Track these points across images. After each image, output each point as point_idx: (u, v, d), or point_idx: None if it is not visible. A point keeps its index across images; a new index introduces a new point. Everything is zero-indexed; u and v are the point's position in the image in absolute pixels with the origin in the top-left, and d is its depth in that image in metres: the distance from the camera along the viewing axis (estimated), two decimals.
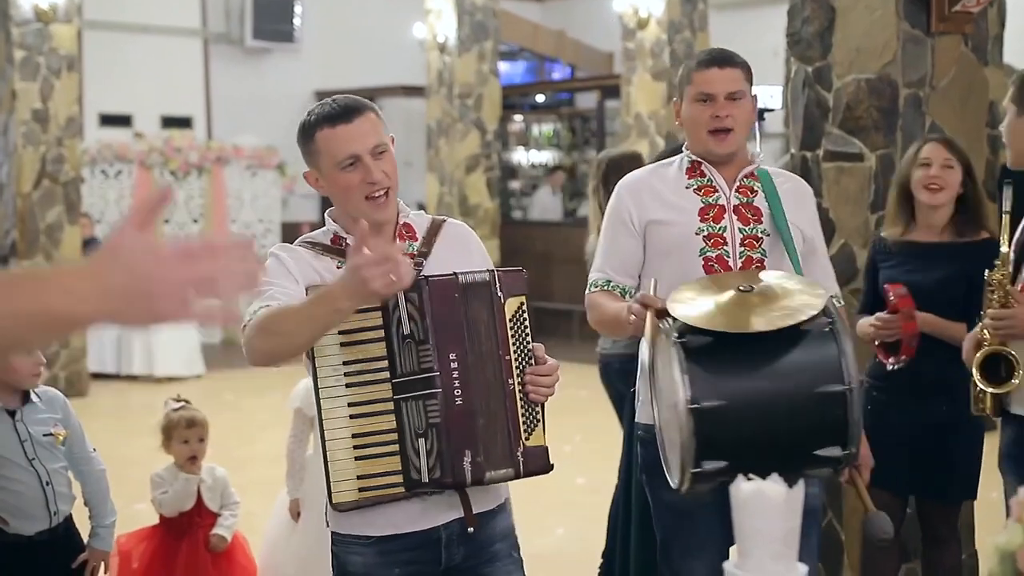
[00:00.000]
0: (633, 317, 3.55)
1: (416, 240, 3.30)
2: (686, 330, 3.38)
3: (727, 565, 2.01)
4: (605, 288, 3.96)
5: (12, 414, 4.27)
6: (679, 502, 3.59)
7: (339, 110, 3.22)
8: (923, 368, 4.72)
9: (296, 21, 17.94)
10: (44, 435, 4.33)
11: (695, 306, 3.46)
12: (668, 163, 4.09)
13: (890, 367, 4.72)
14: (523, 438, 3.15)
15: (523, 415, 3.17)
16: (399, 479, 3.10)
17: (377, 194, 3.17)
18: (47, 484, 4.30)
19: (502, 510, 3.31)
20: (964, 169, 4.90)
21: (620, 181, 4.11)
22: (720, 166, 3.94)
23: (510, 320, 3.18)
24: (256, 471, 6.95)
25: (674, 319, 3.42)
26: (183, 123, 17.16)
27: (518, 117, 18.53)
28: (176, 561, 5.19)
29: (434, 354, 3.10)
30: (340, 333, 3.09)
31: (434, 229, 3.36)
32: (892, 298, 4.67)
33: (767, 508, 1.95)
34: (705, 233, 3.87)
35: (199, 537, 5.23)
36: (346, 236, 3.24)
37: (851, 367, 3.34)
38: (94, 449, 4.57)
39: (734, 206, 3.91)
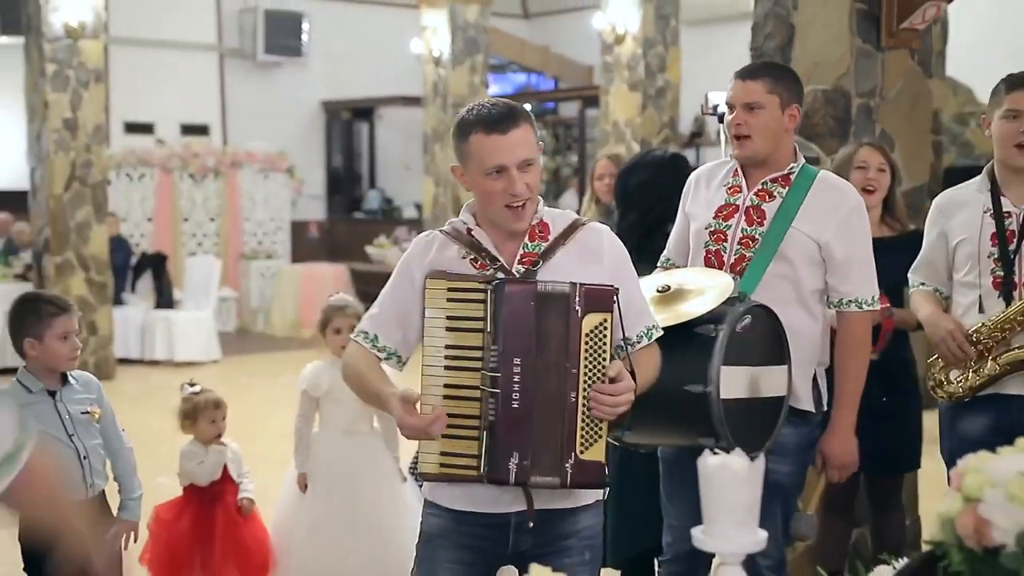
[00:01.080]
0: None
1: (547, 240, 3.14)
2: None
3: (695, 531, 2.01)
4: (664, 266, 4.12)
5: (53, 394, 4.29)
6: (673, 455, 3.63)
7: (496, 117, 3.06)
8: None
9: (304, 37, 17.91)
10: (82, 413, 4.35)
11: None
12: (727, 161, 4.09)
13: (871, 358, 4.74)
14: (577, 451, 3.01)
15: (582, 429, 3.01)
16: (475, 463, 3.04)
17: (516, 204, 3.05)
18: (84, 458, 4.31)
19: (585, 510, 3.18)
20: (891, 172, 4.93)
21: (695, 172, 4.22)
22: (749, 170, 3.94)
23: (586, 335, 2.99)
24: (267, 447, 6.95)
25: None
26: (201, 130, 17.14)
27: None
28: (215, 523, 5.31)
29: (500, 357, 3.01)
30: (447, 318, 3.06)
31: (568, 232, 3.16)
32: None
33: (731, 480, 1.96)
34: (712, 229, 3.91)
35: (229, 503, 5.35)
36: (475, 229, 3.15)
37: (715, 370, 3.39)
38: (123, 429, 4.58)
39: (746, 207, 3.91)
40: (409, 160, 17.44)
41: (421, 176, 15.78)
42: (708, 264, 3.87)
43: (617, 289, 3.02)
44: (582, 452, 3.00)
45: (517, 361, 3.01)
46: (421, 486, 3.40)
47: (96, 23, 12.47)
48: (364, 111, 18.67)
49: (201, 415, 5.28)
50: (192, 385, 5.44)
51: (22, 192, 13.15)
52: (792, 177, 3.92)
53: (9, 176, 15.04)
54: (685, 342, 3.40)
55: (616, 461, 4.98)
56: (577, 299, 2.99)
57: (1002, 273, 4.10)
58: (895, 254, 4.60)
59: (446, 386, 3.05)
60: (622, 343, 3.09)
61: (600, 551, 3.29)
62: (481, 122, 3.06)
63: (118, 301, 13.48)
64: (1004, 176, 4.16)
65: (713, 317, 3.46)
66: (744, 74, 3.96)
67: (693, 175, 4.16)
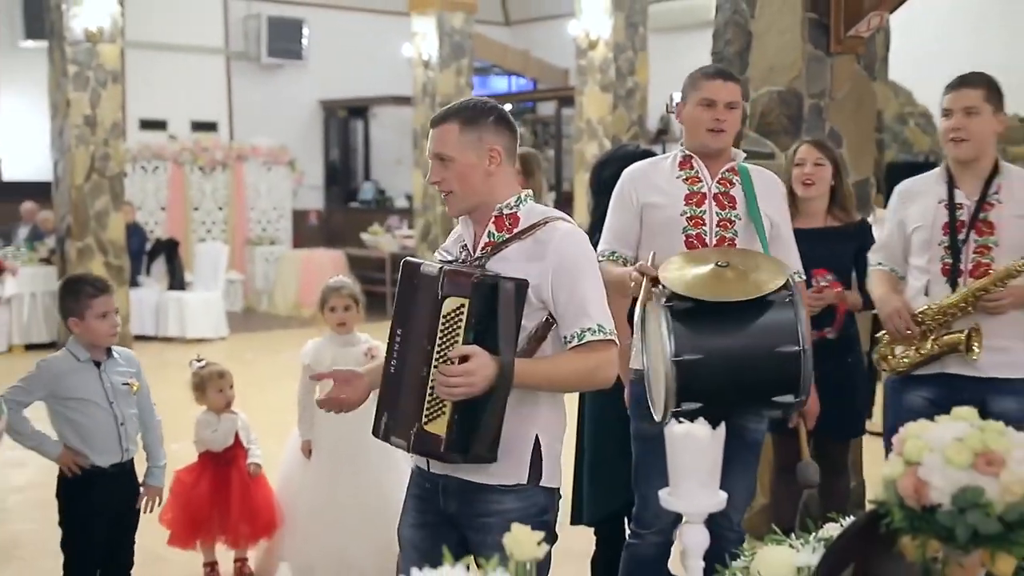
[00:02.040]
0: (633, 283, 3.62)
1: (509, 233, 3.03)
2: (673, 296, 3.45)
3: (662, 493, 2.02)
4: (611, 258, 3.96)
5: (98, 365, 4.35)
6: (651, 431, 3.61)
7: (437, 115, 3.11)
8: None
9: (304, 41, 17.86)
10: (122, 384, 4.40)
11: (681, 276, 3.51)
12: (665, 157, 4.07)
13: (829, 336, 4.76)
14: (422, 421, 2.93)
15: (428, 402, 2.92)
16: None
17: (440, 191, 3.09)
18: (121, 425, 4.36)
19: (508, 493, 3.01)
20: (834, 166, 4.93)
21: (625, 170, 4.09)
22: (707, 160, 3.94)
23: (444, 316, 2.90)
24: (271, 417, 6.93)
25: (663, 286, 3.48)
26: (209, 127, 17.08)
27: None
28: (231, 485, 5.37)
29: (391, 328, 3.06)
30: None
31: (529, 228, 3.03)
32: (822, 283, 4.71)
33: (695, 446, 1.97)
34: (688, 215, 3.88)
35: (242, 467, 5.41)
36: (464, 218, 3.18)
37: (805, 332, 3.42)
38: (154, 404, 4.64)
39: (714, 194, 3.91)
40: (401, 155, 17.40)
41: (411, 169, 15.76)
42: (690, 246, 3.84)
43: (496, 281, 2.89)
44: (426, 423, 2.93)
45: (399, 332, 3.04)
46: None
47: (113, 28, 12.43)
48: (359, 110, 18.62)
49: (209, 386, 5.36)
50: (199, 360, 5.51)
51: (46, 183, 13.12)
52: (737, 167, 3.97)
53: (34, 168, 14.98)
54: (763, 309, 3.44)
55: (590, 427, 5.00)
56: (441, 282, 2.93)
57: (950, 260, 4.12)
58: (843, 243, 4.62)
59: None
60: (563, 338, 2.98)
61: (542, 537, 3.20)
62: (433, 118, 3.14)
63: (134, 283, 13.45)
64: (957, 170, 4.18)
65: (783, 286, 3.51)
66: (725, 75, 3.99)
67: (629, 174, 4.04)
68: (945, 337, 4.09)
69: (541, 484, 3.04)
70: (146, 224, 15.10)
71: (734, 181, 3.94)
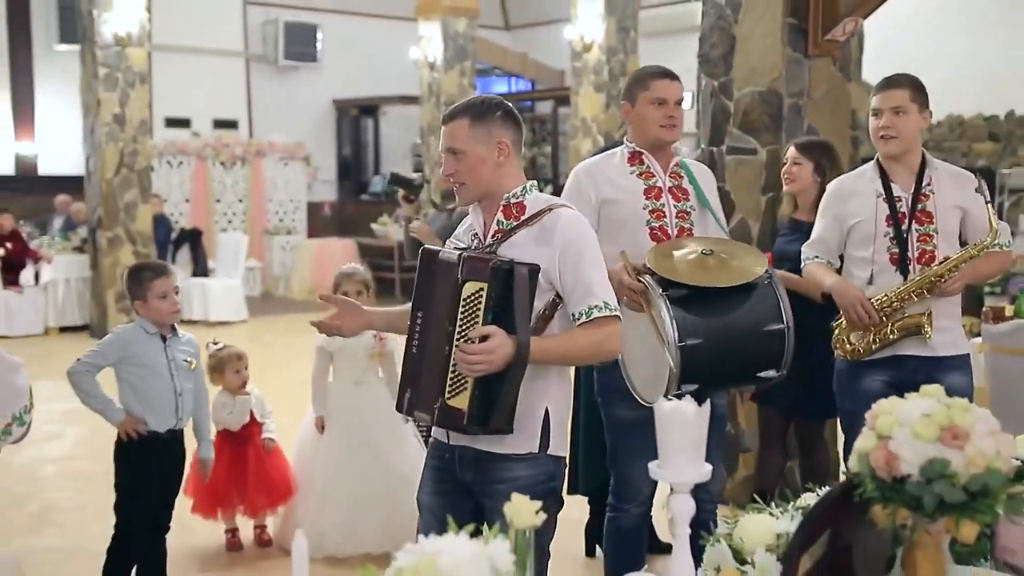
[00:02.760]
0: (624, 281, 3.54)
1: (517, 220, 3.04)
2: (667, 284, 3.43)
3: (652, 465, 2.02)
4: None
5: (163, 339, 4.47)
6: (627, 416, 3.60)
7: (447, 112, 3.12)
8: (807, 319, 4.75)
9: (318, 45, 17.85)
10: (184, 360, 4.53)
11: (673, 266, 3.50)
12: (611, 154, 4.00)
13: None
14: (445, 396, 2.96)
15: (451, 379, 2.95)
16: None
17: (451, 183, 3.10)
18: (179, 395, 4.47)
19: (521, 461, 3.03)
20: (814, 164, 4.91)
21: (578, 166, 4.04)
22: (657, 155, 3.91)
23: (464, 299, 2.93)
24: (288, 395, 6.94)
25: (652, 275, 3.47)
26: (230, 124, 17.07)
27: None
28: (248, 460, 5.43)
29: (412, 311, 3.07)
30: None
31: (536, 215, 3.04)
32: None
33: (682, 422, 1.97)
34: (650, 208, 3.84)
35: (257, 442, 5.46)
36: (472, 208, 3.20)
37: (788, 310, 3.42)
38: (206, 387, 4.80)
39: (669, 187, 3.89)
40: (407, 151, 17.40)
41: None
42: (655, 239, 3.80)
43: (511, 265, 2.92)
44: (448, 398, 2.96)
45: (420, 315, 3.05)
46: (419, 426, 3.40)
47: (141, 33, 12.42)
48: (370, 108, 18.59)
49: (227, 367, 5.40)
50: (215, 343, 5.53)
51: (79, 177, 13.11)
52: (679, 161, 3.97)
53: (68, 163, 14.97)
54: (749, 293, 3.44)
55: (584, 404, 5.01)
56: (461, 268, 2.96)
57: (898, 250, 4.11)
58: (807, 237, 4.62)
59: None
60: (571, 316, 3.01)
61: (549, 502, 3.08)
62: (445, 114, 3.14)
63: None
64: (891, 168, 4.17)
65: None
66: (673, 75, 3.97)
67: (584, 170, 3.96)
68: (903, 321, 4.09)
69: (550, 452, 3.07)
70: (171, 215, 15.10)
71: (682, 174, 3.94)
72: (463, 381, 2.93)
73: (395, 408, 3.17)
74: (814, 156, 4.94)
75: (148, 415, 4.43)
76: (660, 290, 3.41)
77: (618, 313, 3.02)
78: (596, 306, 2.98)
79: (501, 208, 3.07)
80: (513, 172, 3.09)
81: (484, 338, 2.85)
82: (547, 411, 3.05)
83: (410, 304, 3.13)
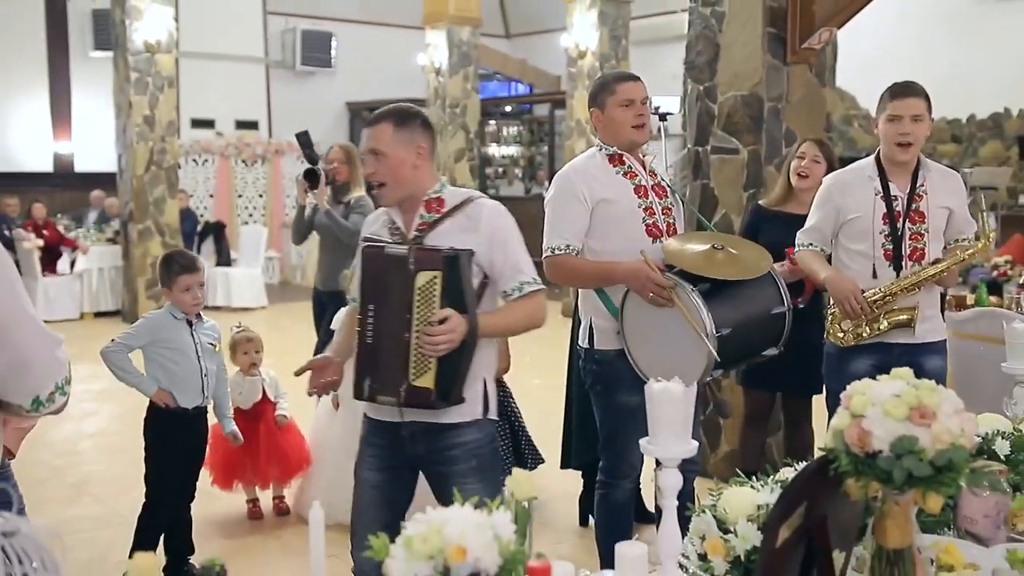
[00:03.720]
0: (655, 274, 3.51)
1: (439, 213, 3.09)
2: (684, 278, 3.45)
3: (643, 442, 2.02)
4: (567, 251, 3.74)
5: (190, 324, 4.53)
6: (631, 403, 3.57)
7: (372, 117, 3.13)
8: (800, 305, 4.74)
9: (333, 52, 17.86)
10: (208, 343, 4.57)
11: (694, 262, 3.51)
12: (591, 156, 3.90)
13: (800, 305, 4.72)
14: (410, 378, 2.97)
15: (414, 362, 2.96)
16: (354, 384, 3.13)
17: (372, 183, 3.13)
18: (204, 375, 4.53)
19: (469, 427, 3.10)
20: (828, 164, 4.86)
21: (566, 169, 3.91)
22: (634, 155, 3.86)
23: (419, 288, 2.94)
24: (304, 376, 6.94)
25: (672, 270, 3.50)
26: (251, 125, 17.07)
27: (492, 122, 18.42)
28: (258, 435, 5.43)
29: (362, 304, 3.06)
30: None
31: (457, 207, 3.09)
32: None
33: (671, 401, 1.97)
34: (643, 206, 3.79)
35: (269, 418, 5.47)
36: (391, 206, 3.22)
37: (787, 293, 3.52)
38: (226, 369, 4.83)
39: (651, 186, 3.84)
40: None
41: None
42: (649, 234, 3.75)
43: (458, 253, 2.95)
44: (413, 379, 2.98)
45: (371, 307, 3.03)
46: None
47: (169, 40, 12.42)
48: None
49: (238, 348, 5.47)
50: (238, 326, 5.60)
51: (112, 173, 13.12)
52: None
53: (102, 161, 14.97)
54: (756, 280, 3.53)
55: (577, 385, 5.00)
56: (412, 259, 2.96)
57: (891, 247, 4.08)
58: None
59: (357, 326, 3.10)
60: (503, 293, 3.11)
61: (490, 460, 3.20)
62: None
63: None
64: (889, 167, 4.11)
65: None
66: (635, 77, 3.90)
67: (575, 171, 3.85)
68: (894, 315, 4.08)
69: (488, 416, 3.16)
70: (197, 209, 15.10)
71: (657, 172, 3.91)
72: (427, 362, 2.96)
73: (353, 396, 3.13)
74: (829, 158, 4.91)
75: (177, 393, 4.46)
76: (691, 286, 3.41)
77: (544, 286, 3.14)
78: (526, 281, 3.09)
79: (423, 203, 3.10)
80: (429, 173, 3.15)
81: (442, 320, 2.91)
82: (484, 380, 3.14)
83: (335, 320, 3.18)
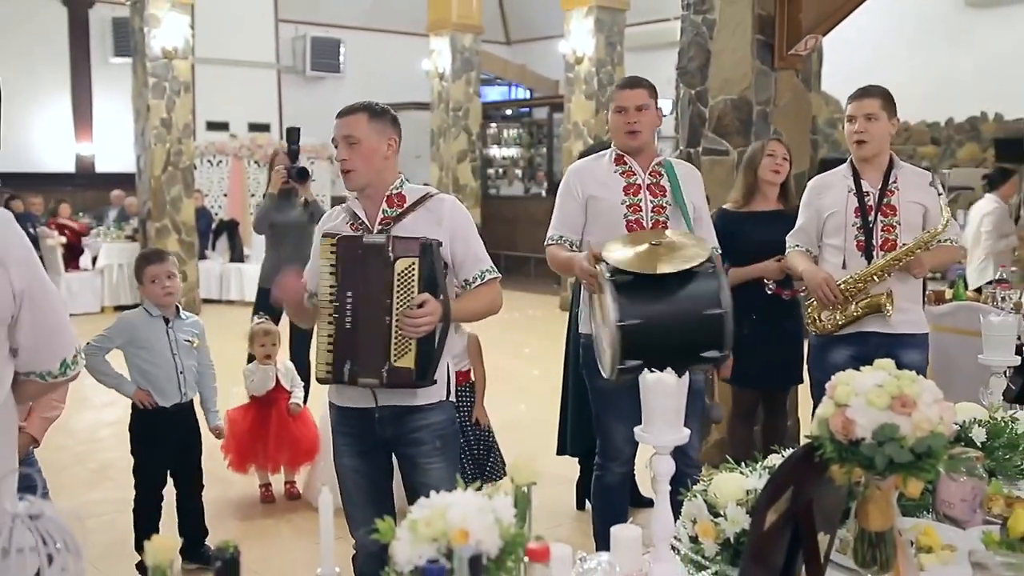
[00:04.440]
0: (582, 267, 3.56)
1: (401, 208, 3.14)
2: (615, 271, 3.38)
3: (637, 430, 2.02)
4: (559, 242, 3.91)
5: (167, 322, 4.41)
6: (606, 386, 3.58)
7: (346, 108, 3.18)
8: (776, 299, 4.74)
9: (341, 57, 17.85)
10: (185, 340, 4.44)
11: (623, 255, 3.45)
12: (602, 155, 3.99)
13: (785, 297, 4.73)
14: (391, 359, 3.00)
15: (395, 344, 3.00)
16: (332, 369, 3.08)
17: (342, 170, 3.14)
18: (180, 373, 4.40)
19: (432, 408, 3.15)
20: (791, 162, 4.94)
21: (569, 168, 4.05)
22: (636, 157, 3.89)
23: (398, 274, 2.99)
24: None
25: (606, 264, 3.42)
26: (263, 128, 17.03)
27: (493, 124, 18.39)
28: (270, 421, 5.45)
29: (339, 292, 3.04)
30: (329, 265, 3.07)
31: (418, 202, 3.16)
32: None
33: (664, 391, 1.97)
34: (627, 203, 3.84)
35: (282, 406, 5.47)
36: (352, 201, 3.24)
37: (726, 297, 3.33)
38: (211, 363, 4.65)
39: (647, 185, 3.87)
40: (420, 151, 17.35)
41: (428, 163, 15.73)
42: (630, 230, 3.79)
43: (431, 242, 3.03)
44: (395, 360, 3.01)
45: (349, 294, 3.03)
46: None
47: (185, 47, 12.42)
48: None
49: (254, 340, 5.45)
50: (260, 318, 5.55)
51: (131, 174, 13.12)
52: (663, 161, 3.93)
53: (121, 162, 14.95)
54: (691, 280, 3.34)
55: (573, 374, 5.00)
56: (390, 248, 3.01)
57: (863, 238, 4.15)
58: (787, 224, 4.61)
59: (328, 314, 3.07)
60: (464, 281, 3.18)
61: (452, 440, 3.25)
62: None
63: (202, 256, 13.48)
64: (861, 166, 4.21)
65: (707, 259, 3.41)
66: (630, 84, 3.90)
67: (573, 171, 4.00)
68: (867, 300, 4.12)
69: (449, 399, 3.23)
70: (212, 208, 15.08)
71: (661, 172, 3.91)
72: (407, 344, 3.01)
73: (332, 380, 3.11)
74: (789, 155, 4.95)
75: (155, 392, 4.38)
76: (608, 275, 3.37)
77: (499, 275, 3.27)
78: (486, 270, 3.21)
79: (385, 199, 3.14)
80: (393, 168, 3.21)
81: (420, 304, 2.97)
82: (448, 364, 3.21)
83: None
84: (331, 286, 3.07)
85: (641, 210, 3.85)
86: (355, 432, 3.20)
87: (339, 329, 3.05)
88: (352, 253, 3.05)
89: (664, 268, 3.34)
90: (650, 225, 3.83)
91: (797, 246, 4.39)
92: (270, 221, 6.45)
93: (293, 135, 6.58)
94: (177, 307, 4.46)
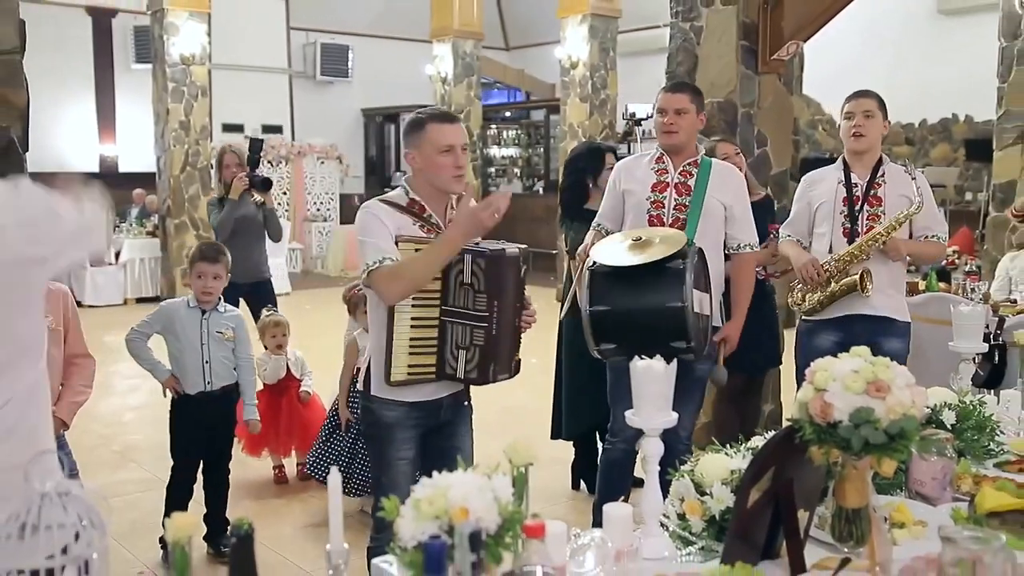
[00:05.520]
0: (581, 254, 3.67)
1: (453, 208, 3.11)
2: (595, 262, 3.45)
3: (628, 414, 2.03)
4: (597, 229, 4.03)
5: (203, 313, 4.37)
6: (620, 365, 3.59)
7: (444, 113, 3.12)
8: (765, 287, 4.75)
9: (349, 63, 17.80)
10: (217, 332, 4.37)
11: (605, 249, 3.49)
12: (647, 154, 4.04)
13: (771, 278, 4.77)
14: (516, 355, 3.08)
15: (518, 342, 3.10)
16: (433, 370, 3.02)
17: (460, 174, 3.06)
18: (206, 363, 4.35)
19: (468, 393, 3.24)
20: (740, 155, 4.97)
21: (618, 163, 4.17)
22: (673, 156, 3.93)
23: (522, 280, 3.08)
24: (325, 355, 6.94)
25: (587, 253, 3.52)
26: (276, 129, 17.00)
27: (493, 126, 18.36)
28: (281, 408, 5.44)
29: (486, 302, 2.97)
30: None
31: (458, 199, 3.11)
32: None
33: (653, 377, 1.97)
34: (652, 200, 3.88)
35: (293, 394, 5.47)
36: (419, 200, 3.05)
37: (689, 292, 3.32)
38: (249, 356, 4.56)
39: (675, 183, 3.90)
40: None
41: None
42: (651, 224, 3.84)
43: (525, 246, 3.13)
44: (517, 354, 3.10)
45: (496, 304, 2.98)
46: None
47: (202, 54, 12.40)
48: (392, 116, 18.51)
49: (267, 331, 5.43)
50: (269, 311, 5.52)
51: (151, 173, 13.11)
52: (698, 161, 3.93)
53: (143, 162, 14.94)
54: (661, 274, 3.36)
55: (567, 360, 5.00)
56: (522, 259, 3.06)
57: (849, 225, 4.20)
58: (760, 212, 4.60)
59: (412, 318, 3.00)
60: None
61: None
62: (435, 117, 3.06)
63: None
64: (852, 160, 4.27)
65: (677, 255, 3.41)
66: (672, 88, 3.96)
67: (621, 164, 4.10)
68: (845, 279, 4.15)
69: None
70: None
71: (692, 172, 3.91)
72: (520, 339, 3.11)
73: (477, 382, 3.05)
74: (742, 150, 4.99)
75: (182, 379, 4.36)
76: (590, 265, 3.48)
77: None
78: None
79: (450, 203, 3.11)
80: None
81: (528, 306, 3.12)
82: None
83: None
84: (436, 291, 2.99)
85: (663, 207, 3.87)
86: (420, 424, 3.13)
87: (487, 337, 2.98)
88: (499, 265, 2.98)
89: (634, 261, 3.36)
90: (670, 221, 3.85)
91: (788, 236, 4.44)
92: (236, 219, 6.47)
93: (256, 146, 6.63)
94: (220, 299, 4.43)
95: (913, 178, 4.18)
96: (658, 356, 2.00)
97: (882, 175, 4.23)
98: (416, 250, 2.97)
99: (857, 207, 4.19)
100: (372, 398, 3.12)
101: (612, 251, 3.49)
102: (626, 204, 3.97)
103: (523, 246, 3.10)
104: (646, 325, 3.36)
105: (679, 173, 3.91)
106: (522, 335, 3.11)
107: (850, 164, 4.27)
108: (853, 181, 4.23)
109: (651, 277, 3.36)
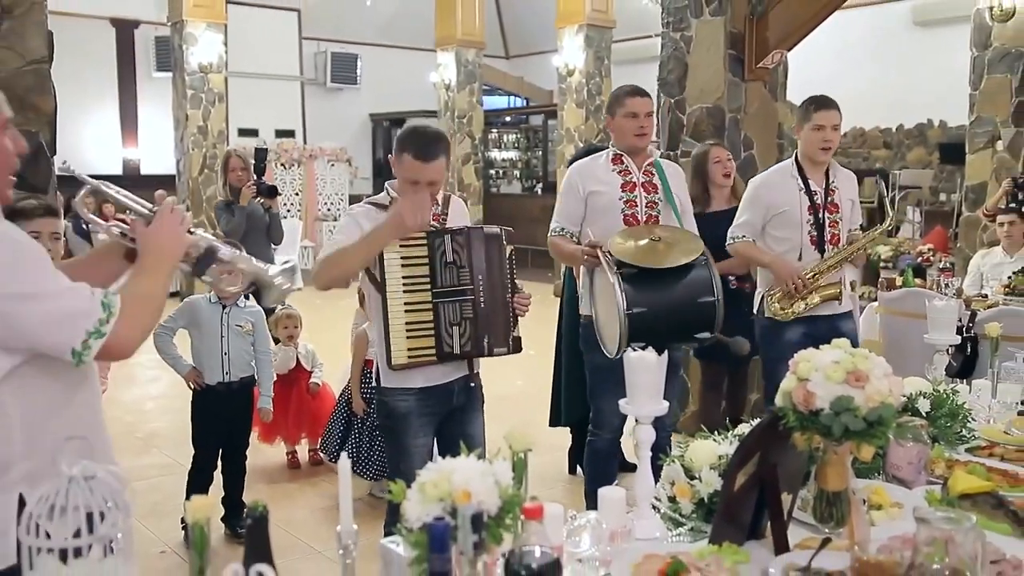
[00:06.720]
0: (585, 256, 3.58)
1: (438, 205, 3.14)
2: (620, 263, 3.39)
3: (621, 402, 2.03)
4: (562, 233, 3.91)
5: (224, 307, 4.38)
6: (603, 363, 3.59)
7: (426, 146, 2.98)
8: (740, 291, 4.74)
9: (358, 71, 17.81)
10: (237, 325, 4.39)
11: (627, 249, 3.45)
12: (599, 156, 3.97)
13: (747, 289, 4.70)
14: (513, 331, 3.10)
15: (513, 318, 3.11)
16: (433, 351, 3.02)
17: (424, 205, 3.00)
18: (224, 354, 4.37)
19: (477, 371, 3.21)
20: (732, 161, 4.97)
21: (571, 166, 4.04)
22: (633, 157, 3.90)
23: (508, 258, 3.10)
24: (334, 347, 6.95)
25: (610, 255, 3.43)
26: (289, 134, 16.99)
27: (494, 130, 18.35)
28: (290, 398, 5.43)
29: (470, 275, 3.02)
30: (401, 259, 2.99)
31: (446, 200, 3.18)
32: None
33: (646, 368, 1.97)
34: (624, 199, 3.85)
35: (302, 384, 5.45)
36: (399, 200, 3.08)
37: (718, 286, 3.36)
38: (268, 350, 4.60)
39: (642, 183, 3.88)
40: None
41: None
42: (627, 223, 3.79)
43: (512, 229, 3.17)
44: (514, 331, 3.12)
45: (480, 277, 3.04)
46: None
47: (219, 62, 12.41)
48: (398, 121, 18.47)
49: (278, 323, 5.40)
50: (283, 305, 5.50)
51: (172, 175, 13.11)
52: (654, 161, 3.93)
53: (163, 165, 14.92)
54: (688, 271, 3.37)
55: (566, 348, 5.00)
56: (503, 236, 3.10)
57: (816, 233, 4.14)
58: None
59: (406, 304, 3.00)
60: None
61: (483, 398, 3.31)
62: (416, 148, 2.99)
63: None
64: (808, 167, 4.18)
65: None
66: (643, 93, 3.92)
67: (576, 169, 3.97)
68: (825, 291, 4.13)
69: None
70: None
71: (653, 172, 3.91)
72: (518, 319, 3.13)
73: (472, 355, 3.08)
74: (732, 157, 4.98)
75: (203, 370, 4.37)
76: (615, 268, 3.37)
77: None
78: None
79: (439, 200, 3.15)
80: None
81: (521, 288, 3.14)
82: None
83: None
84: (425, 276, 3.01)
85: (636, 205, 3.85)
86: (433, 410, 3.13)
87: (476, 308, 3.03)
88: (479, 243, 3.05)
89: (667, 263, 3.36)
90: (644, 219, 3.83)
91: (744, 237, 4.27)
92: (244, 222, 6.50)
93: (261, 155, 6.68)
94: (240, 295, 4.41)
95: (884, 196, 4.18)
96: (649, 348, 2.00)
97: (833, 180, 4.18)
98: (448, 237, 3.05)
99: (821, 215, 4.14)
100: (384, 390, 3.13)
101: (634, 252, 3.44)
102: (591, 206, 3.86)
103: (509, 229, 3.14)
104: (680, 321, 3.37)
105: (643, 172, 3.89)
106: (519, 316, 3.11)
107: (806, 171, 4.16)
108: (812, 189, 4.14)
109: (680, 275, 3.38)
